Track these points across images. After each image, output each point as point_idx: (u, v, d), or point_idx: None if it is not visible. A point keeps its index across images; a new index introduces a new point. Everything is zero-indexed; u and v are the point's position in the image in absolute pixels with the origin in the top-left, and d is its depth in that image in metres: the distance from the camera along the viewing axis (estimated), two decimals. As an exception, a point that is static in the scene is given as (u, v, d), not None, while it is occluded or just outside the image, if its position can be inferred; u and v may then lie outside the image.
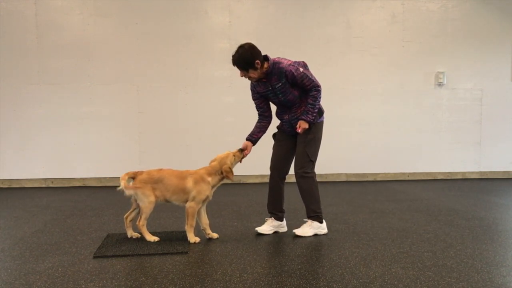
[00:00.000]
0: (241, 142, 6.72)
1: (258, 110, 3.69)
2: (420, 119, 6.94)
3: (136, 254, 3.06)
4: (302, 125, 3.42)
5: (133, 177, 3.33)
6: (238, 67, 3.35)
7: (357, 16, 6.74)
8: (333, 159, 6.65)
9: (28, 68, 6.14)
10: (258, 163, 6.63)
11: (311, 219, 3.58)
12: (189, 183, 3.30)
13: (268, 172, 3.83)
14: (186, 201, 3.34)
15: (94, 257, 3.00)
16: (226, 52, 6.50)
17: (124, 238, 3.45)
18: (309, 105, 3.41)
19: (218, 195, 5.49)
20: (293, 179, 3.70)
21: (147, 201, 3.29)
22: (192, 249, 3.18)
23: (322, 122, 3.61)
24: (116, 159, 6.33)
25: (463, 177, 7.12)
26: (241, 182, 6.60)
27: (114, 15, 6.27)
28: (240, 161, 3.59)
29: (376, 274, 2.67)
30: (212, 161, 3.47)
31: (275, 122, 3.74)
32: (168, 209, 4.66)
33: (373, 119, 6.84)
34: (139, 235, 3.45)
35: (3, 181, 6.20)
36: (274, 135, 3.81)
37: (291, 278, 2.61)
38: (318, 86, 3.42)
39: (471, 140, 7.06)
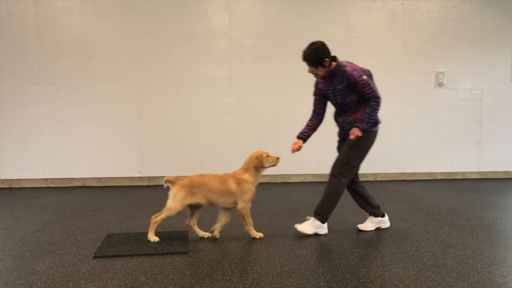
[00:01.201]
0: (241, 142, 6.76)
1: (314, 107, 3.76)
2: (420, 119, 6.94)
3: (136, 254, 3.06)
4: (355, 132, 3.45)
5: (173, 181, 3.41)
6: (309, 63, 3.45)
7: (357, 16, 6.74)
8: (332, 159, 6.64)
9: (28, 68, 6.14)
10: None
11: (315, 217, 3.59)
12: (232, 185, 3.41)
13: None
14: (234, 203, 3.43)
15: (94, 257, 3.00)
16: (226, 52, 6.51)
17: (124, 238, 3.45)
18: (365, 114, 3.43)
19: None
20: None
21: (177, 204, 3.35)
22: (192, 249, 3.18)
23: (375, 132, 3.61)
24: (116, 159, 6.33)
25: (463, 177, 7.12)
26: (241, 182, 6.59)
27: (114, 15, 6.27)
28: (275, 164, 3.63)
29: (376, 274, 2.67)
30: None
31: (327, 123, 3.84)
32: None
33: (373, 119, 6.83)
34: (210, 234, 3.51)
35: (3, 181, 6.20)
36: (338, 148, 3.88)
37: (291, 278, 2.61)
38: (378, 97, 3.42)
39: (471, 140, 7.06)
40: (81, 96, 6.25)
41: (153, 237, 3.38)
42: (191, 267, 2.80)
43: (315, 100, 3.73)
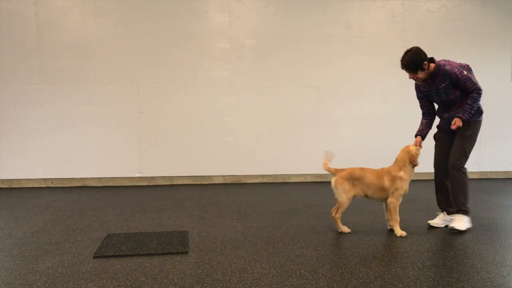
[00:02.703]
0: (241, 142, 6.76)
1: (422, 109, 3.95)
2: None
3: (136, 254, 3.06)
4: (457, 123, 3.60)
5: (334, 173, 3.66)
6: (408, 69, 3.64)
7: (357, 16, 6.74)
8: (333, 159, 6.63)
9: (28, 68, 6.14)
10: (258, 163, 6.66)
11: (461, 213, 3.67)
12: (386, 182, 3.56)
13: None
14: (386, 198, 3.61)
15: (94, 257, 3.00)
16: (226, 52, 6.50)
17: (124, 238, 3.46)
18: (467, 105, 3.58)
19: (218, 195, 5.49)
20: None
21: (345, 196, 3.57)
22: (192, 249, 3.18)
23: (480, 122, 3.75)
24: (116, 159, 6.33)
25: (463, 177, 7.11)
26: (241, 182, 6.60)
27: (114, 15, 6.27)
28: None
29: (376, 274, 2.67)
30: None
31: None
32: (168, 209, 4.66)
33: (373, 119, 6.84)
34: (349, 230, 3.67)
35: (3, 181, 6.20)
36: (435, 136, 3.98)
37: (291, 278, 2.61)
38: (480, 89, 3.58)
39: (471, 140, 7.05)
40: (81, 96, 6.25)
41: (346, 229, 3.64)
42: (191, 267, 2.80)
43: (422, 103, 3.93)
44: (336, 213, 3.63)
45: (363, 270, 2.73)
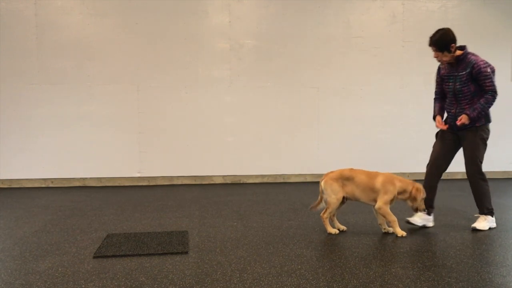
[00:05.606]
0: (241, 142, 6.75)
1: (436, 95, 3.92)
2: (420, 119, 6.93)
3: (136, 254, 3.06)
4: (463, 119, 3.58)
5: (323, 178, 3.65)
6: (436, 47, 3.58)
7: (357, 16, 6.74)
8: (332, 159, 6.64)
9: (28, 68, 6.14)
10: (258, 163, 6.66)
11: (484, 215, 3.77)
12: (378, 183, 3.50)
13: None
14: (374, 200, 3.53)
15: (94, 257, 3.00)
16: (226, 52, 6.51)
17: (124, 238, 3.46)
18: (479, 104, 3.59)
19: (218, 195, 5.50)
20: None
21: (335, 197, 3.55)
22: (192, 249, 3.18)
23: (487, 127, 3.75)
24: (116, 159, 6.33)
25: (463, 177, 7.10)
26: (241, 182, 6.60)
27: (114, 15, 6.27)
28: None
29: (376, 274, 2.67)
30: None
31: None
32: (168, 209, 4.66)
33: (373, 119, 6.84)
34: (345, 228, 3.69)
35: (3, 181, 6.20)
36: (437, 134, 3.94)
37: (291, 278, 2.61)
38: (496, 92, 3.63)
39: (471, 140, 7.05)
40: (81, 96, 6.25)
41: (332, 230, 3.61)
42: (191, 267, 2.80)
43: (438, 88, 3.90)
44: (324, 213, 3.61)
45: (363, 270, 2.73)
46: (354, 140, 6.80)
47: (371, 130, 6.84)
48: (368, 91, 6.82)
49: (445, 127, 3.77)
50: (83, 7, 6.19)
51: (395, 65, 6.85)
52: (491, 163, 7.15)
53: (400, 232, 3.53)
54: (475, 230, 3.72)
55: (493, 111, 7.58)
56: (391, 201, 3.53)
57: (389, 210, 3.51)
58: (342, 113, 6.75)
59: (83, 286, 2.49)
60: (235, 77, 6.53)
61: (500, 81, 7.03)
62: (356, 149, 6.80)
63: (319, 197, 3.70)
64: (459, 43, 3.68)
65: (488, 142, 3.74)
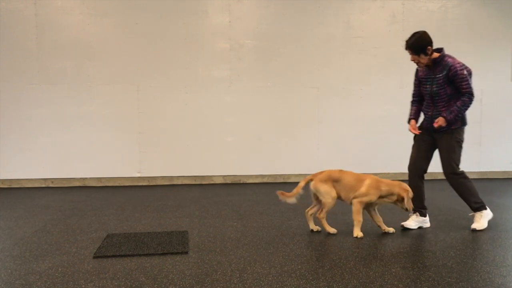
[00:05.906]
0: (241, 142, 6.75)
1: (413, 97, 3.93)
2: (420, 119, 6.92)
3: (136, 254, 3.06)
4: (440, 122, 3.61)
5: (311, 179, 3.64)
6: (411, 51, 3.59)
7: (357, 16, 6.74)
8: (332, 159, 6.64)
9: (28, 68, 6.14)
10: (258, 163, 6.66)
11: (477, 211, 3.76)
12: (364, 186, 3.51)
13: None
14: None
15: (94, 257, 3.00)
16: (226, 52, 6.51)
17: (124, 238, 3.46)
18: (455, 107, 3.59)
19: (218, 195, 5.50)
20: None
21: (329, 196, 3.55)
22: (192, 249, 3.18)
23: (463, 130, 3.75)
24: (116, 159, 6.33)
25: (463, 177, 7.11)
26: (241, 182, 6.60)
27: (114, 15, 6.27)
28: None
29: (376, 274, 2.67)
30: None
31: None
32: (168, 209, 4.66)
33: (373, 119, 6.84)
34: (319, 229, 3.68)
35: (3, 181, 6.20)
36: (415, 136, 3.93)
37: (291, 278, 2.61)
38: (472, 94, 3.61)
39: (471, 140, 7.04)
40: (81, 96, 6.25)
41: (331, 230, 3.60)
42: (191, 267, 2.80)
43: (415, 90, 3.91)
44: (320, 213, 3.61)
45: (363, 270, 2.73)
46: (354, 140, 6.80)
47: (371, 130, 6.84)
48: (368, 91, 6.82)
49: (417, 132, 3.80)
50: (83, 7, 6.19)
51: (395, 65, 6.85)
52: (491, 163, 7.16)
53: (357, 233, 3.51)
54: (475, 231, 3.72)
55: (493, 111, 7.55)
56: (375, 204, 3.58)
57: (361, 210, 3.51)
58: (342, 113, 6.75)
59: (83, 286, 2.49)
60: (235, 77, 6.53)
61: (500, 81, 7.09)
62: (356, 149, 6.80)
63: (313, 200, 3.71)
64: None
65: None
